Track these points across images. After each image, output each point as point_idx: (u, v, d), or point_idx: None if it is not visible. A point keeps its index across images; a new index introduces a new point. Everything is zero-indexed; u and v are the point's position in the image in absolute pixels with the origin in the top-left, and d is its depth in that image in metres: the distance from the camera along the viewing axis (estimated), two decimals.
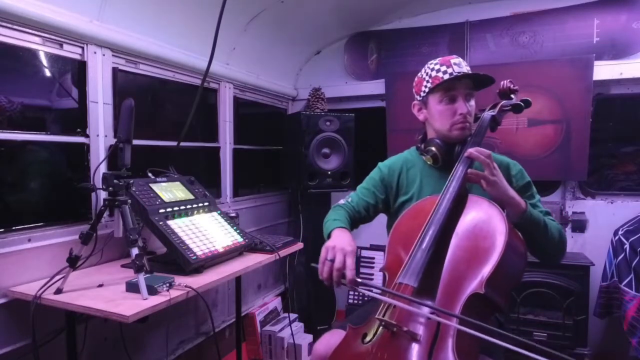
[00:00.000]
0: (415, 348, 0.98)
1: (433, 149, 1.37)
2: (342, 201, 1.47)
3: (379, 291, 1.09)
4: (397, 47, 3.08)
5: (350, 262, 1.10)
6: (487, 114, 1.36)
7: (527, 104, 1.36)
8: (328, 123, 2.83)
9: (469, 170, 1.21)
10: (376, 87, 3.11)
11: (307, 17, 2.78)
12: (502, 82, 1.40)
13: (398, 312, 1.04)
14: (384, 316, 1.04)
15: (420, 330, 1.00)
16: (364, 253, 3.19)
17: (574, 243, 2.70)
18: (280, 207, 3.31)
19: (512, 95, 1.39)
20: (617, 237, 2.32)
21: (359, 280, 1.09)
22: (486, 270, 1.02)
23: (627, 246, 2.21)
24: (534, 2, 2.69)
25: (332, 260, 1.11)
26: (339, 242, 1.15)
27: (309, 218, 2.98)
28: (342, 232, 1.24)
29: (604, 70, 2.51)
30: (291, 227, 3.32)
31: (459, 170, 1.23)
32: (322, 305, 3.00)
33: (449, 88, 1.33)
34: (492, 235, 1.08)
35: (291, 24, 2.79)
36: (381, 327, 1.05)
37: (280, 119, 3.32)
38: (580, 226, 2.68)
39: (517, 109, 1.36)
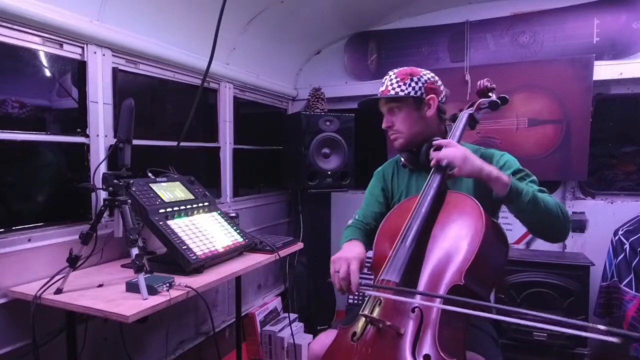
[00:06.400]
0: (399, 342, 1.00)
1: (402, 158, 1.45)
2: (349, 222, 1.52)
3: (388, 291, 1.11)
4: (397, 47, 3.08)
5: (354, 268, 1.14)
6: (465, 112, 1.39)
7: (504, 101, 1.38)
8: (328, 123, 2.83)
9: (432, 162, 1.21)
10: (376, 87, 3.01)
11: (307, 17, 2.78)
12: (479, 82, 1.42)
13: (382, 308, 1.07)
14: (370, 313, 1.07)
15: (403, 324, 1.02)
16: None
17: (574, 243, 2.70)
18: (280, 207, 3.31)
19: (490, 94, 1.41)
20: (617, 237, 2.32)
21: (363, 282, 1.14)
22: (465, 261, 1.04)
23: (627, 246, 2.21)
24: (534, 2, 2.69)
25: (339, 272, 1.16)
26: (342, 253, 1.23)
27: (309, 218, 2.98)
28: (349, 244, 1.32)
29: (604, 70, 2.51)
30: (291, 227, 3.32)
31: (436, 178, 1.23)
32: (322, 305, 2.99)
33: (379, 105, 1.45)
34: (471, 227, 1.10)
35: (291, 24, 2.79)
36: (368, 324, 1.08)
37: (280, 119, 3.31)
38: (580, 226, 2.68)
39: (493, 106, 1.38)
